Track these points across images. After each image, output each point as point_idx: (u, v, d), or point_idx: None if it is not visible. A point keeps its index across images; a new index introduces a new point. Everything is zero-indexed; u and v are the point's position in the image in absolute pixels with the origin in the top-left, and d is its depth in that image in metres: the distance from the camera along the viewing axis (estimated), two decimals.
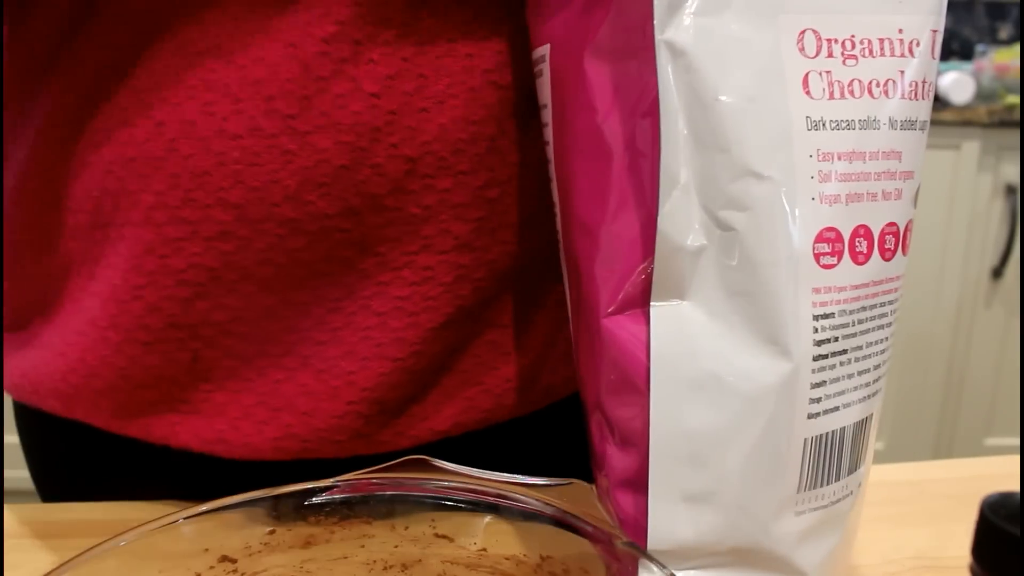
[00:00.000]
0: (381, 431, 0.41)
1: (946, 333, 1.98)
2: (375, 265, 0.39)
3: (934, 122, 1.84)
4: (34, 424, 0.49)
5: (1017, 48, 2.04)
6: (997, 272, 1.95)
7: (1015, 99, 1.95)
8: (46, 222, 0.41)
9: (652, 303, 0.30)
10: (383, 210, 0.38)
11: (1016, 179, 1.91)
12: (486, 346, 0.42)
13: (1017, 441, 2.03)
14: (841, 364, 0.30)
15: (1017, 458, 0.48)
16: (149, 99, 0.37)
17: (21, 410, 0.49)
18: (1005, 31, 2.35)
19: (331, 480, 0.31)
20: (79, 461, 0.47)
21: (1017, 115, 1.86)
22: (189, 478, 0.44)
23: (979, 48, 2.14)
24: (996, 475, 0.48)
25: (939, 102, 1.88)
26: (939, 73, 1.90)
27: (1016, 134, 1.87)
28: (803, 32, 0.28)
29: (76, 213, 0.40)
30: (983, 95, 1.99)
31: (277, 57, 0.36)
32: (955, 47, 2.33)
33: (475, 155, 0.38)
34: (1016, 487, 0.26)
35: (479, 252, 0.40)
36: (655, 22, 0.28)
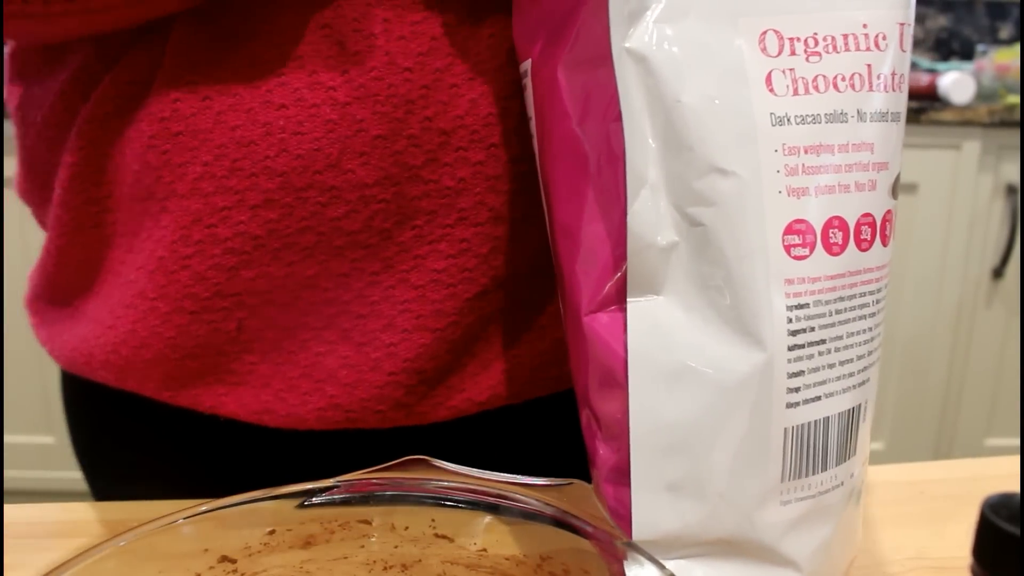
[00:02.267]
0: (421, 401, 0.43)
1: (946, 333, 1.98)
2: (413, 238, 0.40)
3: (935, 122, 1.84)
4: (83, 396, 0.50)
5: (1018, 48, 2.04)
6: (998, 272, 1.95)
7: (1016, 99, 1.95)
8: (93, 196, 0.43)
9: (628, 299, 0.30)
10: (420, 181, 0.40)
11: (1016, 179, 1.91)
12: (520, 319, 0.44)
13: (1017, 442, 2.03)
14: (820, 354, 0.30)
15: (1017, 458, 0.48)
16: (193, 78, 0.39)
17: (70, 382, 0.51)
18: (1006, 31, 2.35)
19: (331, 480, 0.31)
20: (128, 432, 0.49)
21: (1018, 115, 1.86)
22: (235, 449, 0.46)
23: (980, 48, 2.14)
24: (996, 476, 0.48)
25: (939, 102, 1.88)
26: (940, 73, 1.90)
27: (1017, 134, 1.87)
28: (764, 33, 0.29)
29: (119, 186, 0.42)
30: (984, 95, 1.99)
31: (315, 37, 0.38)
32: (956, 47, 2.33)
33: (506, 129, 0.40)
34: (1016, 487, 0.26)
35: (513, 224, 0.41)
36: (613, 31, 0.29)
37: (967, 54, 2.28)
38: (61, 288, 0.47)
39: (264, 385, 0.42)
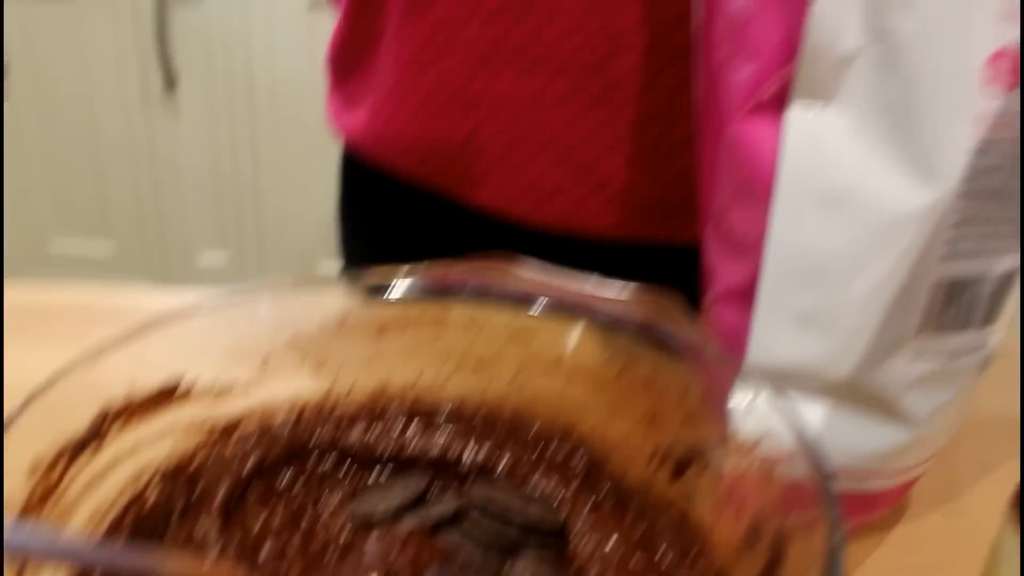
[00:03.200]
0: (639, 229, 0.46)
1: None
2: (624, 73, 0.41)
3: None
4: (349, 170, 0.56)
5: None
6: None
7: None
8: None
9: (791, 106, 0.27)
10: (634, 7, 0.40)
11: None
12: None
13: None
14: (992, 205, 0.27)
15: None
16: None
17: (344, 153, 0.56)
18: None
19: (413, 269, 0.30)
20: (385, 203, 0.54)
21: None
22: (480, 235, 0.49)
23: None
24: None
25: None
26: None
27: None
28: None
29: None
30: None
31: None
32: None
33: None
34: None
35: None
36: None
37: None
38: (342, 67, 0.52)
39: (497, 192, 0.46)
